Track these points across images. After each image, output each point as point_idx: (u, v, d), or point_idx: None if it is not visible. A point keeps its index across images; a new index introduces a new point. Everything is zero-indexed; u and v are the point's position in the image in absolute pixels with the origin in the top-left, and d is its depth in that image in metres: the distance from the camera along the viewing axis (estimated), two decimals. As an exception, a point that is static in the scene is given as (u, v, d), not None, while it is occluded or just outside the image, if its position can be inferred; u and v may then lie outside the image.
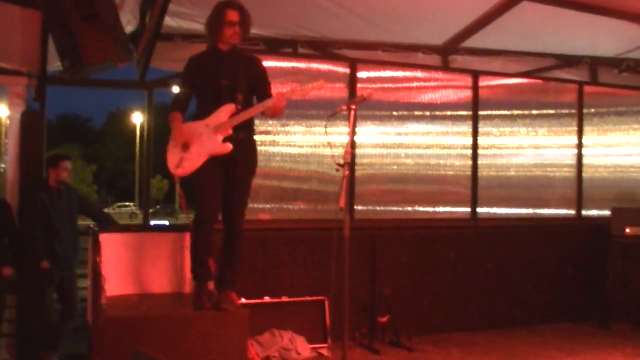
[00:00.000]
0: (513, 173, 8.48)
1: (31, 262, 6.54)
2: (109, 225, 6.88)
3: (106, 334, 5.02)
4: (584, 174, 8.78)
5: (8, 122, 7.38)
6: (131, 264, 6.15)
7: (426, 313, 7.52)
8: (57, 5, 4.72)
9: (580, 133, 8.77)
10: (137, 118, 49.51)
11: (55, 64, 6.70)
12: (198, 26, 7.05)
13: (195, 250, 5.41)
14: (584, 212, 8.75)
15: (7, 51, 6.89)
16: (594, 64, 9.15)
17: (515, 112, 8.48)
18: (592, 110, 8.89)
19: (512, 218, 8.36)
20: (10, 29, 6.53)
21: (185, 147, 5.23)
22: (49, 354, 6.49)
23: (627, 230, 8.20)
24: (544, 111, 8.66)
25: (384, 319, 6.96)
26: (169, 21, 6.87)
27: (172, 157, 5.32)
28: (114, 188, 56.90)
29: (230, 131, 5.19)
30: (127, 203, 51.60)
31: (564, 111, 8.77)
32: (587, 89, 8.86)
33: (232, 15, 5.25)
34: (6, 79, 7.15)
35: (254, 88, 5.35)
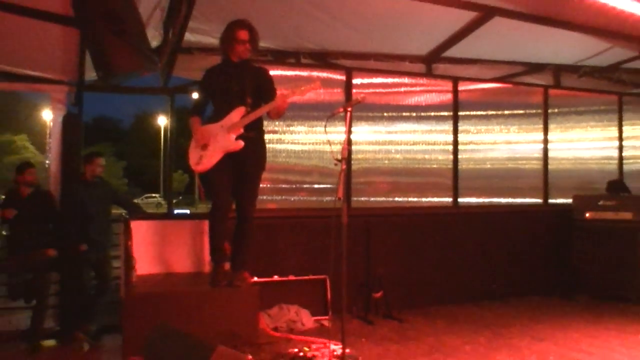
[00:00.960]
0: (489, 166, 8.47)
1: (71, 244, 6.55)
2: (138, 213, 6.88)
3: (136, 307, 5.04)
4: (549, 166, 8.79)
5: (51, 124, 7.37)
6: (157, 247, 6.17)
7: (414, 289, 7.52)
8: (92, 24, 4.70)
9: (546, 130, 8.77)
10: (161, 120, 49.47)
11: (90, 74, 6.68)
12: (213, 40, 7.03)
13: (212, 236, 5.42)
14: (550, 200, 8.75)
15: (50, 63, 6.90)
16: (557, 70, 9.12)
17: (490, 112, 8.48)
18: (556, 110, 8.88)
19: (489, 205, 8.35)
20: (53, 45, 6.51)
21: (204, 147, 5.26)
22: (87, 323, 6.49)
23: (587, 214, 8.20)
24: (515, 111, 8.66)
25: (378, 295, 6.95)
26: (189, 36, 6.85)
27: (193, 156, 5.36)
28: (141, 181, 56.75)
29: (241, 130, 5.21)
30: (153, 194, 51.52)
31: (531, 111, 8.77)
32: (552, 92, 8.85)
33: (243, 34, 5.29)
34: (49, 87, 7.19)
35: (262, 94, 5.35)
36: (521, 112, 8.71)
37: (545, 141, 8.77)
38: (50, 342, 6.34)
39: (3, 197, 6.83)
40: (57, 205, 6.78)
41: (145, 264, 5.90)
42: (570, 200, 8.48)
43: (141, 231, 5.98)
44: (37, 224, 6.54)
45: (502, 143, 8.59)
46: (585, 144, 9.23)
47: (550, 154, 8.80)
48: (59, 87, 7.17)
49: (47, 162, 7.25)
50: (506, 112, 8.60)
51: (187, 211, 22.92)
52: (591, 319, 6.77)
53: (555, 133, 8.89)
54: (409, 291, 7.47)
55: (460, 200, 8.08)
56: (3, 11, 5.73)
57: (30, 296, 6.45)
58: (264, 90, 5.38)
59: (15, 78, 7.09)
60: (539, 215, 8.60)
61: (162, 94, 7.76)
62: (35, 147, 42.42)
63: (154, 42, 6.83)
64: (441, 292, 7.68)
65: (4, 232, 6.49)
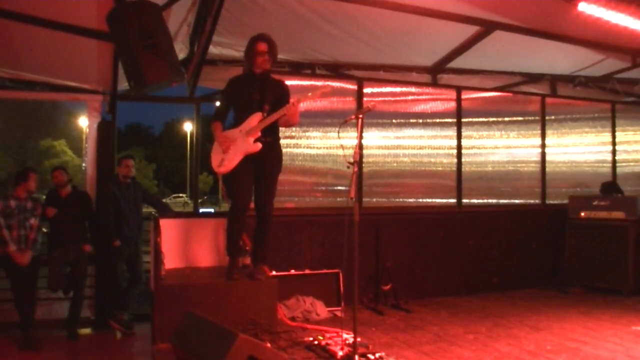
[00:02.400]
0: (490, 168, 8.42)
1: (106, 240, 6.60)
2: (167, 212, 6.91)
3: (165, 298, 5.05)
4: (547, 169, 8.72)
5: (88, 130, 7.44)
6: (184, 243, 6.18)
7: (420, 281, 7.50)
8: (125, 38, 4.73)
9: (543, 136, 8.70)
10: (188, 126, 49.61)
11: (123, 84, 6.73)
12: (236, 53, 7.08)
13: (230, 231, 5.43)
14: (547, 200, 8.70)
15: (87, 75, 6.96)
16: (554, 80, 9.07)
17: (491, 119, 8.42)
18: (553, 117, 8.81)
19: (490, 205, 8.31)
20: (89, 58, 6.57)
21: (225, 150, 5.27)
22: (121, 313, 6.53)
23: (582, 214, 8.14)
24: (514, 118, 8.60)
25: (387, 287, 6.93)
26: (213, 49, 6.87)
27: (215, 159, 5.38)
28: (170, 182, 56.94)
29: (259, 133, 5.23)
30: (180, 194, 51.66)
31: (530, 118, 8.71)
32: (549, 100, 8.78)
33: (262, 46, 5.30)
34: (86, 96, 7.25)
35: (279, 102, 5.36)
36: (520, 119, 8.65)
37: (543, 146, 8.71)
38: (86, 330, 6.42)
39: (44, 197, 6.88)
40: (93, 205, 6.83)
41: (173, 258, 5.91)
42: (566, 201, 8.42)
43: (169, 228, 6.00)
44: (75, 221, 6.59)
45: (503, 148, 8.53)
46: (580, 148, 9.16)
47: (547, 158, 8.73)
48: (95, 96, 7.23)
49: (84, 165, 7.31)
50: (506, 119, 8.55)
51: (212, 210, 23.01)
52: (584, 311, 6.71)
53: (552, 138, 8.82)
54: (416, 284, 7.45)
55: (463, 200, 8.04)
56: (46, 28, 5.81)
57: (69, 288, 6.51)
58: (281, 100, 5.40)
59: (55, 88, 7.16)
60: (537, 214, 8.54)
61: (189, 102, 7.79)
62: (73, 152, 42.76)
63: (181, 55, 6.87)
64: (445, 285, 7.65)
65: (45, 229, 6.54)
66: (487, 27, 6.80)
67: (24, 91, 7.15)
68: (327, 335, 5.25)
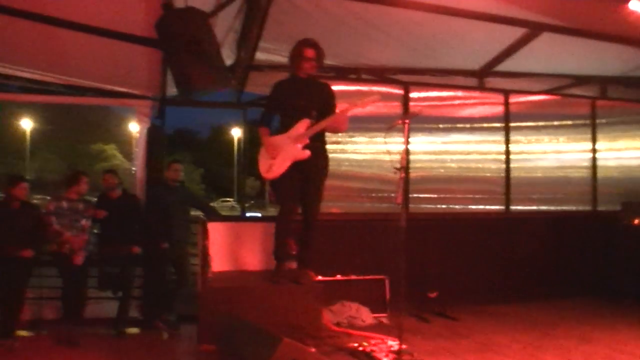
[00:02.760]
0: (539, 174, 8.26)
1: (154, 242, 6.68)
2: (214, 216, 6.98)
3: (211, 300, 5.11)
4: (597, 174, 8.50)
5: (137, 134, 7.58)
6: (230, 246, 6.24)
7: (467, 289, 7.38)
8: (173, 45, 4.81)
9: (594, 140, 8.50)
10: (235, 131, 50.07)
11: (172, 90, 6.85)
12: (282, 58, 7.10)
13: (278, 235, 5.45)
14: (598, 207, 8.47)
15: (136, 81, 7.10)
16: (604, 82, 8.83)
17: (540, 123, 8.27)
18: (604, 120, 8.60)
19: (539, 211, 8.14)
20: (139, 64, 6.70)
21: (273, 156, 5.29)
22: (167, 314, 6.61)
23: (636, 221, 7.91)
24: (564, 122, 8.42)
25: (433, 294, 6.86)
26: (259, 55, 6.93)
27: (263, 164, 5.40)
28: (217, 187, 57.53)
29: (307, 140, 5.24)
30: (227, 199, 52.18)
31: (579, 122, 8.51)
32: (599, 103, 8.58)
33: (309, 52, 5.32)
34: (136, 102, 7.38)
35: (325, 106, 5.37)
36: (570, 122, 8.46)
37: (594, 150, 8.50)
38: (133, 330, 6.50)
39: (95, 199, 7.03)
40: (142, 207, 6.94)
41: (219, 261, 5.96)
42: (618, 207, 8.19)
43: (217, 232, 6.06)
44: (124, 223, 6.69)
45: (552, 152, 8.36)
46: (632, 152, 8.88)
47: (598, 163, 8.51)
48: (144, 102, 7.36)
49: (133, 168, 7.44)
50: (555, 123, 8.37)
51: (258, 214, 23.17)
52: (637, 322, 6.50)
53: (603, 142, 8.59)
54: (463, 291, 7.34)
55: (511, 206, 7.90)
56: (97, 35, 5.95)
57: (117, 288, 6.62)
58: (326, 105, 5.40)
59: (106, 94, 7.33)
60: (587, 221, 8.32)
61: (235, 108, 7.87)
62: (122, 155, 43.74)
63: (228, 61, 6.94)
64: (492, 293, 7.51)
65: (95, 230, 6.68)
66: (534, 29, 6.67)
67: (76, 97, 7.38)
68: (372, 341, 5.23)
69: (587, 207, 8.47)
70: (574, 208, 8.45)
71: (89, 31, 5.92)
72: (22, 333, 6.24)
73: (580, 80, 8.79)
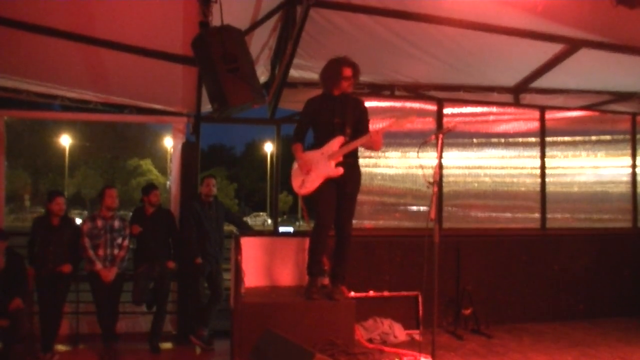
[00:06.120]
0: (576, 189, 8.12)
1: (188, 257, 6.76)
2: (247, 231, 7.03)
3: (244, 315, 5.12)
4: (638, 190, 8.33)
5: (172, 150, 7.69)
6: (264, 261, 6.26)
7: (502, 306, 7.28)
8: (209, 62, 4.87)
9: (634, 156, 8.32)
10: (268, 147, 50.48)
11: (207, 106, 6.94)
12: (315, 76, 7.13)
13: (313, 251, 5.45)
14: (639, 223, 8.29)
15: (172, 98, 7.22)
16: (644, 98, 8.70)
17: (577, 138, 8.12)
18: (645, 135, 8.45)
19: (576, 227, 8.00)
20: (175, 82, 6.81)
21: (307, 172, 5.31)
22: (201, 328, 6.66)
23: (678, 238, 7.73)
24: (602, 137, 8.25)
25: (467, 311, 6.78)
26: (293, 72, 6.98)
27: (296, 180, 5.42)
28: (250, 201, 57.96)
29: (341, 158, 5.25)
30: (260, 213, 52.46)
31: (619, 137, 8.33)
32: (639, 118, 8.43)
33: (348, 71, 5.33)
34: (171, 118, 7.51)
35: (359, 123, 5.38)
36: (609, 138, 8.29)
37: (634, 166, 8.32)
38: (167, 345, 6.58)
39: (130, 214, 7.13)
40: (177, 222, 7.02)
41: (253, 276, 5.99)
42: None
43: (250, 247, 6.09)
44: (159, 239, 6.78)
45: (590, 168, 8.20)
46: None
47: (638, 179, 8.33)
48: (180, 118, 7.48)
49: (168, 183, 7.54)
50: (593, 138, 8.22)
51: (291, 229, 23.26)
52: (680, 343, 6.33)
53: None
54: (498, 308, 7.24)
55: (547, 222, 7.78)
56: (135, 54, 6.08)
57: (152, 303, 6.70)
58: (360, 121, 5.41)
59: (142, 111, 7.47)
60: (628, 238, 8.13)
61: (269, 124, 7.93)
62: (158, 170, 44.41)
63: (263, 78, 7.02)
64: (529, 310, 7.39)
65: (131, 246, 6.77)
66: (572, 45, 6.61)
67: (114, 114, 7.54)
68: (405, 358, 5.20)
69: (627, 224, 8.29)
70: (613, 224, 8.28)
71: (130, 51, 6.06)
72: (61, 348, 6.36)
73: (620, 96, 8.66)
